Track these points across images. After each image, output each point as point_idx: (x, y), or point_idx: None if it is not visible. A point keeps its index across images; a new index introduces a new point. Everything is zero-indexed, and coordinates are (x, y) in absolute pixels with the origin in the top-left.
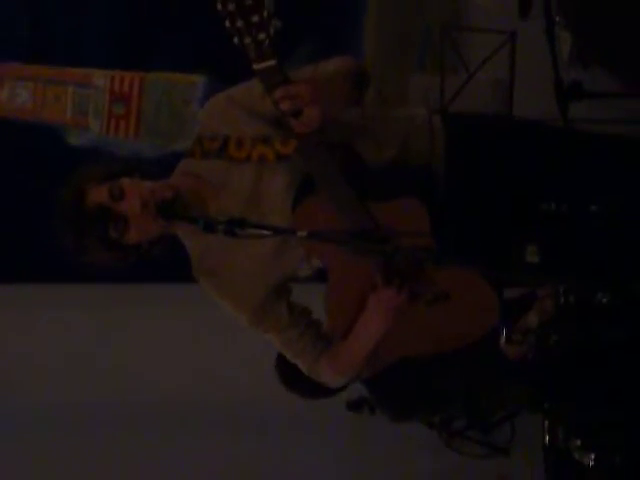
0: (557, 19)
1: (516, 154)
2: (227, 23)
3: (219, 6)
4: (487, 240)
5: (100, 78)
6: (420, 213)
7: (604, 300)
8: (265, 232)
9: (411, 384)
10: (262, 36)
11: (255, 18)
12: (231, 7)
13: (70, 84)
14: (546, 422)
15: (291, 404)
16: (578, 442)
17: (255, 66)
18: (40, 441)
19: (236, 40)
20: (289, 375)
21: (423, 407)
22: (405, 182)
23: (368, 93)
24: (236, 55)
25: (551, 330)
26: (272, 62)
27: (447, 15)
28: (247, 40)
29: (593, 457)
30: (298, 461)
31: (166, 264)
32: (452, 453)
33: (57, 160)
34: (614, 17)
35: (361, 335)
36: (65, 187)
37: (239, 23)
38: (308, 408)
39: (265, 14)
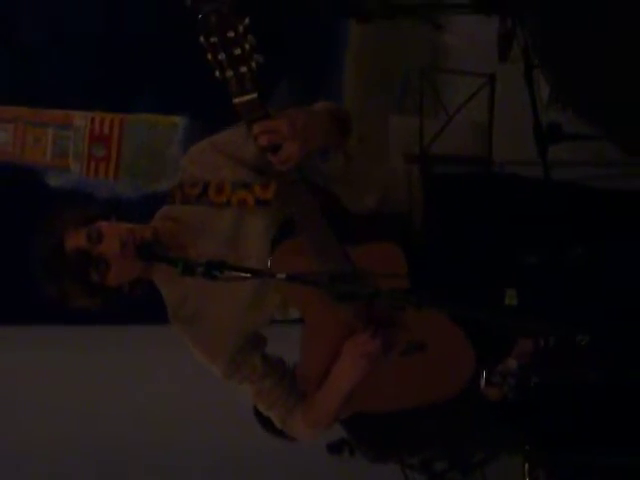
0: (536, 62)
1: (492, 207)
2: (209, 56)
3: (202, 39)
4: (465, 284)
5: (80, 119)
6: (397, 257)
7: (584, 342)
8: (244, 274)
9: (389, 425)
10: (244, 69)
11: (237, 51)
12: (213, 40)
13: (50, 125)
14: (526, 465)
15: (271, 447)
16: None
17: (236, 100)
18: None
19: (218, 73)
20: (268, 418)
21: (402, 448)
22: (384, 227)
23: (350, 140)
24: (217, 97)
25: (531, 372)
26: (253, 95)
27: (426, 57)
28: (229, 73)
29: None
30: None
31: (154, 305)
32: None
33: (37, 201)
34: (588, 65)
35: (336, 381)
36: (42, 234)
37: (221, 56)
38: (288, 451)
39: (247, 47)
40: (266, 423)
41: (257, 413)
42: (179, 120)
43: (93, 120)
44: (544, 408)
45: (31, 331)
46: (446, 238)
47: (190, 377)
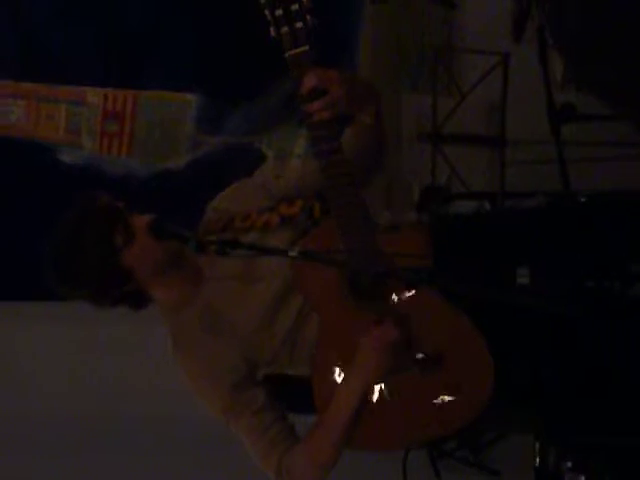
0: (550, 42)
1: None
2: (267, 12)
3: None
4: (480, 265)
5: (93, 96)
6: (425, 244)
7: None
8: (256, 252)
9: None
10: (299, 25)
11: (294, 7)
12: None
13: (63, 102)
14: (537, 444)
15: None
16: (569, 464)
17: (289, 53)
18: (20, 458)
19: (272, 31)
20: None
21: None
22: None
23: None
24: (230, 74)
25: (543, 354)
26: (305, 48)
27: (441, 37)
28: (284, 29)
29: (584, 479)
30: None
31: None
32: (443, 473)
33: (49, 178)
34: (604, 45)
35: (349, 385)
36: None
37: (278, 12)
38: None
39: (305, 3)
40: None
41: None
42: (192, 97)
43: (106, 97)
44: (556, 387)
45: (27, 307)
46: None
47: None
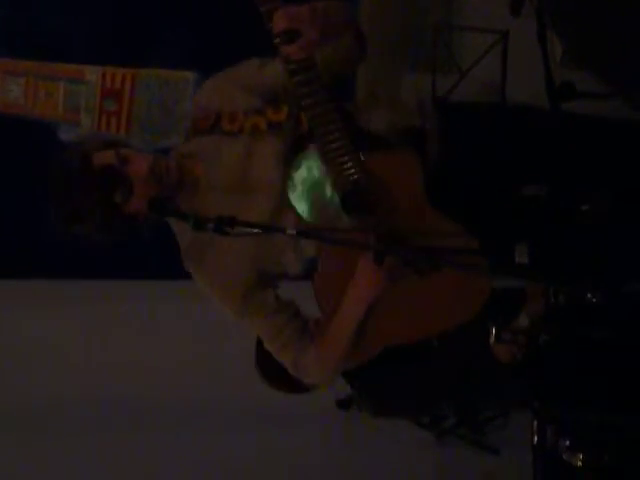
0: (548, 21)
1: (508, 137)
2: None
3: None
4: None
5: (92, 74)
6: (414, 166)
7: (594, 300)
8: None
9: (393, 381)
10: None
11: None
12: None
13: (62, 80)
14: (535, 422)
15: (280, 401)
16: (567, 442)
17: (262, 8)
18: (29, 438)
19: None
20: (269, 370)
21: (405, 405)
22: (400, 138)
23: (360, 90)
24: (229, 52)
25: (541, 330)
26: (277, 3)
27: (440, 14)
28: None
29: (581, 457)
30: (288, 457)
31: (155, 261)
32: (442, 450)
33: (48, 156)
34: (597, 22)
35: (352, 299)
36: (67, 153)
37: None
38: (297, 404)
39: None
40: (267, 376)
41: (259, 365)
42: (191, 75)
43: (105, 75)
44: (553, 365)
45: (36, 285)
46: (457, 168)
47: (199, 331)
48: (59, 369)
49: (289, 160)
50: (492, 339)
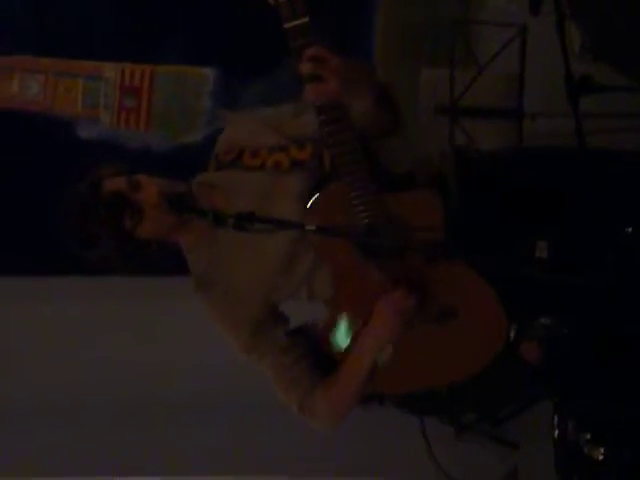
0: (568, 13)
1: (527, 183)
2: None
3: None
4: (497, 237)
5: (111, 71)
6: (435, 204)
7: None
8: (274, 226)
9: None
10: None
11: None
12: None
13: (81, 76)
14: (556, 416)
15: None
16: (588, 436)
17: (287, 24)
18: (36, 434)
19: None
20: None
21: (428, 402)
22: (421, 177)
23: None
24: (247, 48)
25: (562, 323)
26: (304, 20)
27: (458, 9)
28: None
29: (602, 451)
30: (308, 448)
31: (162, 257)
32: (463, 445)
33: (68, 152)
34: (618, 14)
35: (364, 344)
36: (80, 178)
37: None
38: None
39: None
40: None
41: None
42: (209, 72)
43: (123, 71)
44: (574, 359)
45: (41, 282)
46: (477, 220)
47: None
48: (59, 366)
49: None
50: (512, 336)
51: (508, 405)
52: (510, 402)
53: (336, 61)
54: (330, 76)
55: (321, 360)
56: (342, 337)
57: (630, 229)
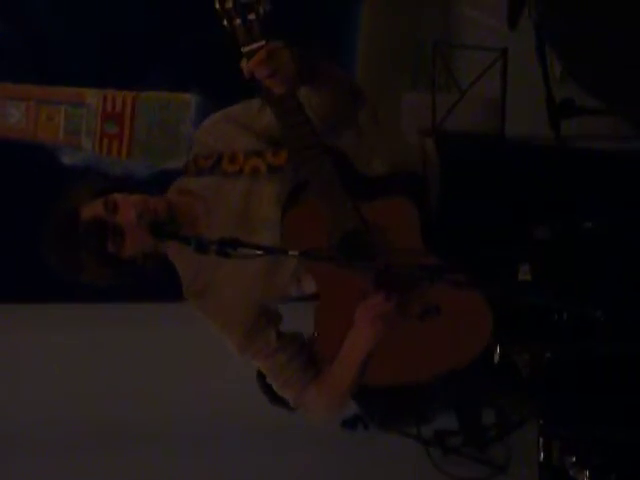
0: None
1: (508, 175)
2: (217, 4)
3: None
4: (478, 257)
5: (92, 97)
6: (411, 214)
7: (600, 317)
8: (257, 252)
9: (398, 393)
10: (252, 16)
11: None
12: None
13: (62, 103)
14: (541, 439)
15: (284, 421)
16: (573, 459)
17: (244, 49)
18: (26, 462)
19: (225, 23)
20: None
21: (411, 415)
22: (397, 184)
23: (361, 115)
24: (229, 74)
25: (545, 347)
26: (261, 43)
27: (439, 32)
28: (236, 22)
29: (588, 474)
30: (292, 477)
31: (153, 283)
32: (449, 469)
33: (50, 180)
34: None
35: (351, 348)
36: (57, 207)
37: (228, 4)
38: (302, 424)
39: None
40: (269, 392)
41: (260, 383)
42: (191, 97)
43: (105, 98)
44: (558, 383)
45: (34, 310)
46: (460, 212)
47: (200, 352)
48: (57, 390)
49: (287, 207)
50: (496, 357)
51: (493, 425)
52: (494, 420)
53: (287, 51)
54: (285, 64)
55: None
56: None
57: (590, 224)
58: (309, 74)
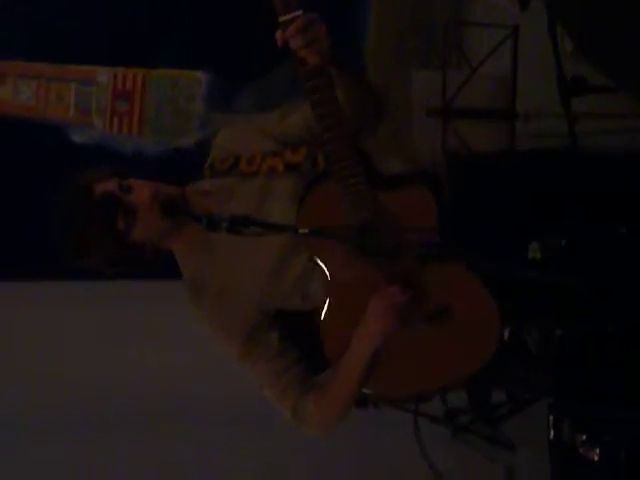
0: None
1: (516, 186)
2: None
3: None
4: (491, 238)
5: (103, 75)
6: (428, 203)
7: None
8: (268, 230)
9: None
10: None
11: None
12: None
13: (73, 81)
14: (551, 417)
15: None
16: (583, 437)
17: (281, 18)
18: (35, 441)
19: None
20: None
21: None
22: (414, 178)
23: (382, 128)
24: (240, 52)
25: (555, 325)
26: (298, 12)
27: (450, 10)
28: None
29: (598, 452)
30: (304, 455)
31: (155, 263)
32: (458, 447)
33: (61, 158)
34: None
35: (358, 344)
36: (70, 183)
37: None
38: None
39: None
40: None
41: None
42: (202, 75)
43: (116, 76)
44: (568, 360)
45: (32, 287)
46: (470, 219)
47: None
48: (60, 370)
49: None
50: (506, 335)
51: (503, 403)
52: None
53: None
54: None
55: (316, 362)
56: None
57: (624, 229)
58: (339, 57)
